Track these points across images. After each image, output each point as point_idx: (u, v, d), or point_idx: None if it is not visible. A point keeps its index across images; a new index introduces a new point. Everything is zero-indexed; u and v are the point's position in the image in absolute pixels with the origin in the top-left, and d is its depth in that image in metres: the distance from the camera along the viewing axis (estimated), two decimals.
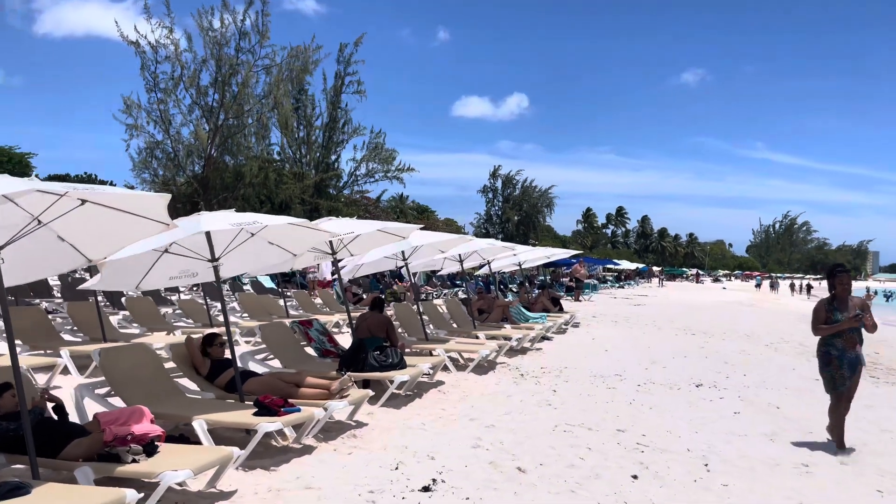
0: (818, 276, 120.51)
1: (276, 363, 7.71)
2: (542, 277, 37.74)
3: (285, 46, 48.95)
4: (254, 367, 7.56)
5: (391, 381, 7.21)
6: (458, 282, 28.96)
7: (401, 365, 7.58)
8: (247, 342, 10.68)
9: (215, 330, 8.25)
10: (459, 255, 12.30)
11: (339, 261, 11.19)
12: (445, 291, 24.18)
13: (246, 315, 13.01)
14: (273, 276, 25.26)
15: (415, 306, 11.90)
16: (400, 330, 10.93)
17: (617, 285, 50.01)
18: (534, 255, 16.78)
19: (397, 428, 6.31)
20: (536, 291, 20.10)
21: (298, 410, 5.42)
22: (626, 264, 62.64)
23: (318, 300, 16.51)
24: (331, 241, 8.09)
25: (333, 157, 62.27)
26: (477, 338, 11.44)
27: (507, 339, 11.35)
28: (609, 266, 59.28)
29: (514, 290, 20.51)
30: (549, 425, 6.65)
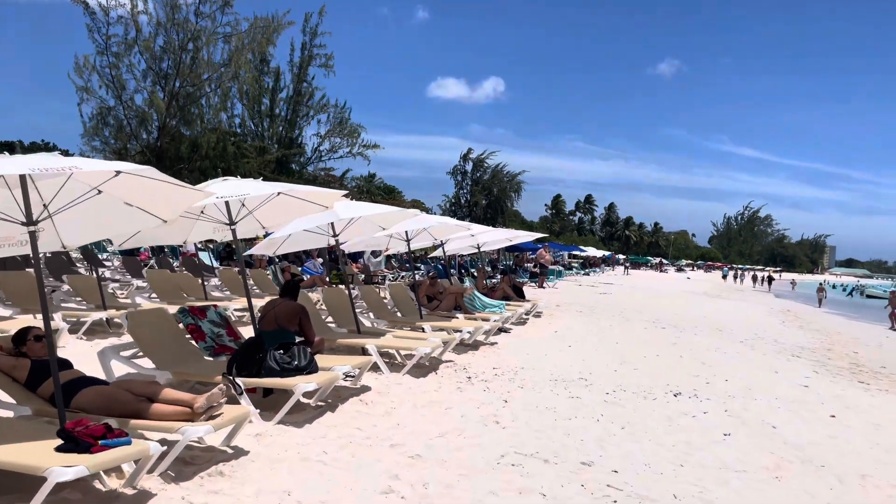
0: (778, 269, 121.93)
1: (147, 363, 5.97)
2: (507, 262, 36.33)
3: (249, 18, 46.51)
4: (119, 367, 5.84)
5: (294, 391, 5.55)
6: (418, 265, 27.32)
7: (310, 368, 5.94)
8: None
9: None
10: (406, 233, 10.63)
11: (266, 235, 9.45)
12: (403, 274, 22.46)
13: (154, 296, 11.16)
14: (215, 253, 23.39)
15: (355, 291, 10.26)
16: (329, 320, 9.27)
17: (582, 272, 48.93)
18: (493, 237, 15.19)
19: (288, 459, 4.67)
20: (499, 277, 18.60)
21: (128, 442, 3.75)
22: (592, 251, 61.70)
23: (251, 281, 14.69)
24: (229, 209, 6.36)
25: (297, 133, 60.09)
26: (423, 330, 9.84)
27: (458, 331, 9.77)
28: (575, 252, 58.22)
29: (474, 274, 18.96)
30: (493, 454, 5.08)
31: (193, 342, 6.65)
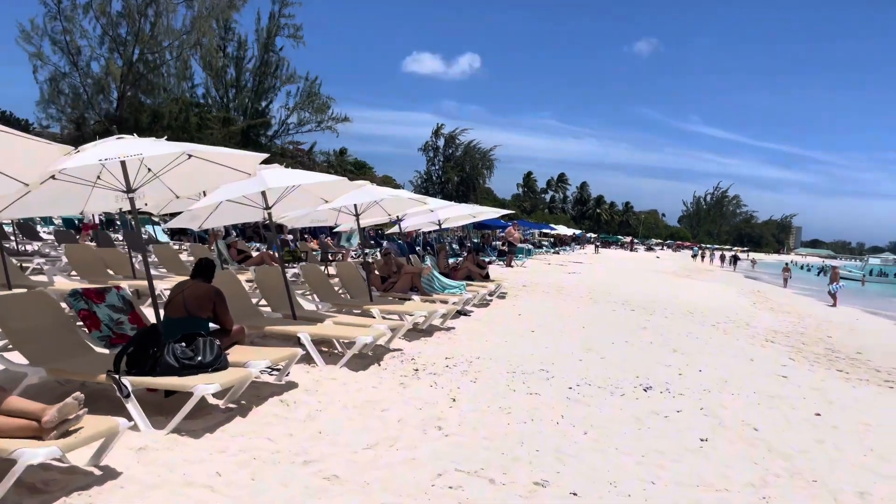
0: (745, 249, 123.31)
1: (19, 357, 4.95)
2: (475, 240, 35.50)
3: None
4: None
5: (193, 393, 4.60)
6: (382, 241, 26.30)
7: (217, 364, 4.98)
8: None
9: None
10: (355, 206, 9.64)
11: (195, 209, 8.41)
12: (367, 251, 21.44)
13: (74, 274, 10.04)
14: (164, 228, 22.08)
15: (296, 270, 9.28)
16: (262, 304, 8.30)
17: (552, 251, 48.34)
18: (455, 213, 14.23)
19: (168, 484, 3.73)
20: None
21: None
22: (562, 229, 61.15)
23: (191, 257, 13.59)
24: (126, 174, 5.32)
25: (265, 104, 58.21)
26: (372, 315, 8.92)
27: (410, 315, 8.87)
28: (545, 231, 57.61)
29: (432, 253, 18.06)
30: (429, 472, 4.20)
31: (86, 331, 5.64)
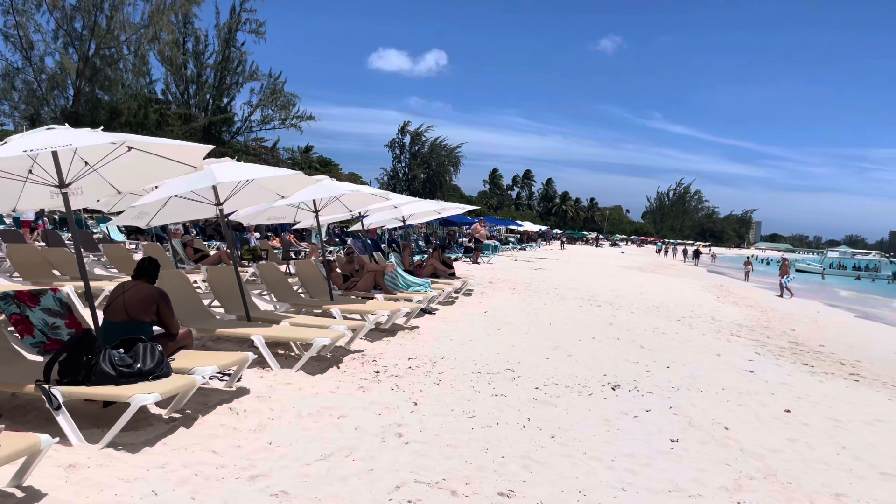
0: (707, 244, 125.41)
1: None
2: (442, 237, 35.27)
3: None
4: None
5: (130, 404, 4.24)
6: (347, 239, 25.84)
7: (158, 371, 4.62)
8: None
9: None
10: (314, 202, 9.28)
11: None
12: (331, 249, 21.00)
13: (17, 275, 9.48)
14: (120, 227, 21.33)
15: (251, 269, 8.89)
16: (214, 304, 7.91)
17: (519, 247, 48.36)
18: (419, 209, 13.93)
19: None
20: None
21: None
22: (528, 226, 61.30)
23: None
24: (58, 168, 4.92)
25: (226, 100, 57.08)
26: (333, 316, 8.58)
27: (373, 314, 8.56)
28: (512, 227, 57.66)
29: (397, 250, 17.73)
30: (387, 485, 3.91)
31: (17, 336, 5.22)
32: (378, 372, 6.70)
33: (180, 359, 5.26)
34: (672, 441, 5.24)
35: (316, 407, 5.33)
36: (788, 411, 6.57)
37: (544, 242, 63.46)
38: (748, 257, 46.56)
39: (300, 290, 10.00)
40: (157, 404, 4.73)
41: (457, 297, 13.63)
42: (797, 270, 59.84)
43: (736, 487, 4.36)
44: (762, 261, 70.88)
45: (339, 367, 6.72)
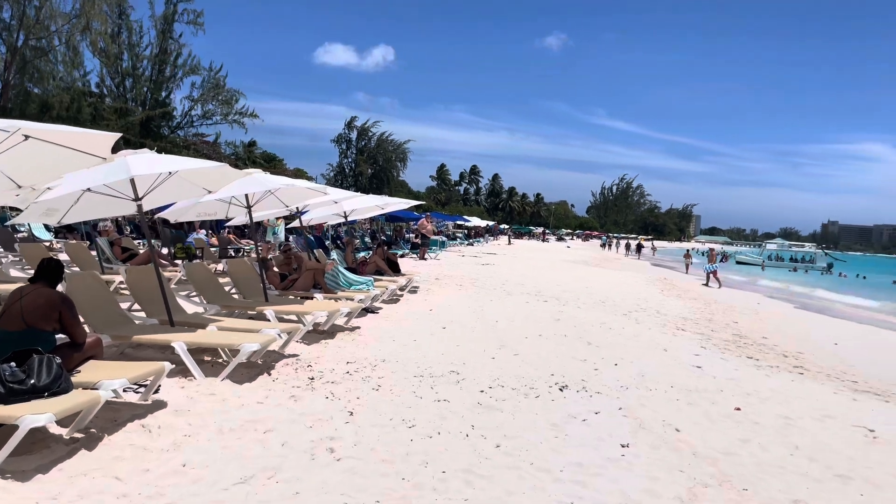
0: (649, 237, 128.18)
1: None
2: (389, 233, 34.76)
3: None
4: None
5: (19, 426, 3.71)
6: (295, 236, 25.07)
7: (55, 387, 4.09)
8: None
9: None
10: (246, 197, 8.73)
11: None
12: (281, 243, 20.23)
13: None
14: (47, 225, 20.13)
15: (179, 272, 8.29)
16: (134, 307, 7.31)
17: (466, 242, 48.21)
18: (361, 204, 13.42)
19: None
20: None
21: None
22: (476, 221, 61.25)
23: (66, 257, 12.23)
24: None
25: (165, 94, 55.02)
26: (267, 318, 8.06)
27: (310, 315, 8.09)
28: (459, 223, 57.49)
29: (339, 247, 17.20)
30: None
31: None
32: (313, 378, 6.25)
33: (86, 371, 4.72)
34: (623, 446, 4.97)
35: (240, 421, 4.86)
36: (739, 409, 6.41)
37: (492, 238, 63.56)
38: (688, 250, 47.54)
39: (233, 291, 9.44)
40: (58, 423, 4.19)
41: (402, 295, 13.23)
42: (738, 262, 61.79)
43: (691, 497, 4.11)
44: (702, 253, 72.65)
45: (270, 375, 6.25)
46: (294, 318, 8.48)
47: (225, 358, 6.60)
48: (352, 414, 5.24)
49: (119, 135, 4.82)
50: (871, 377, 9.46)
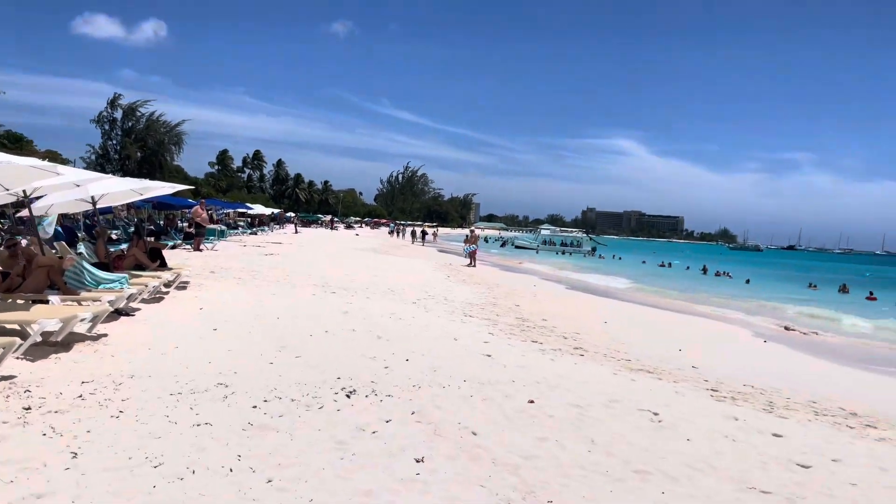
0: (434, 224, 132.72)
1: None
2: (160, 223, 31.48)
3: None
4: None
5: None
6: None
7: None
8: None
9: None
10: None
11: None
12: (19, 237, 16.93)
13: None
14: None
15: None
16: None
17: (249, 231, 45.59)
18: (112, 188, 11.40)
19: None
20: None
21: None
22: (259, 209, 58.34)
23: None
24: None
25: None
26: None
27: (37, 324, 6.47)
28: (242, 210, 54.30)
29: (90, 239, 14.88)
30: None
31: None
32: (28, 409, 4.85)
33: None
34: (417, 461, 4.36)
35: None
36: (532, 402, 6.16)
37: (277, 226, 61.03)
38: (467, 235, 49.53)
39: None
40: None
41: (167, 293, 11.61)
42: (516, 247, 66.21)
43: None
44: (485, 239, 76.58)
45: None
46: (17, 327, 6.78)
47: None
48: (75, 456, 4.03)
49: None
50: (642, 356, 9.99)
